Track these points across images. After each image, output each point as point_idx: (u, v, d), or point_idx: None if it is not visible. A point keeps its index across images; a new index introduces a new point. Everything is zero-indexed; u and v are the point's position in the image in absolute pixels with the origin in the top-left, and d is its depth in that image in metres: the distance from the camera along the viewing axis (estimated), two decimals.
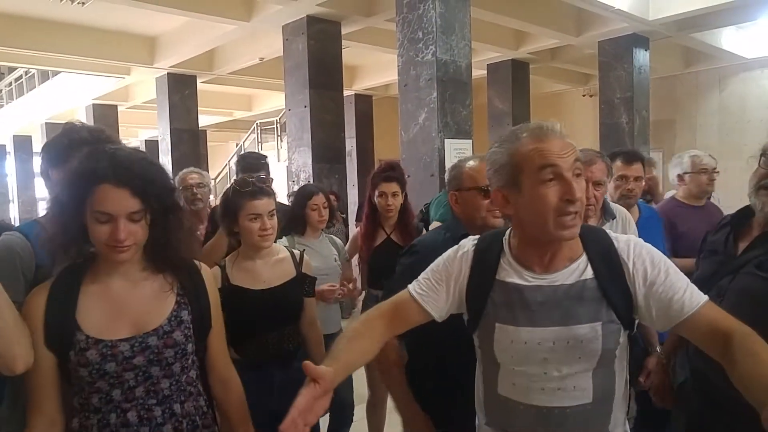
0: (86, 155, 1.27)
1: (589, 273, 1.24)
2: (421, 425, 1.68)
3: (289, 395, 2.23)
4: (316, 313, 2.34)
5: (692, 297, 1.18)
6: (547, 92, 10.87)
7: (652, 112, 7.59)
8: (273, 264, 2.16)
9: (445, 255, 1.37)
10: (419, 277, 1.36)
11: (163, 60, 7.71)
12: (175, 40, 7.40)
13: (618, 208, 2.54)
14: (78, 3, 6.04)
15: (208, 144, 15.07)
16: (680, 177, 3.14)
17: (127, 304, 1.31)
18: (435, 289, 1.32)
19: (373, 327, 1.29)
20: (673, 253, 2.69)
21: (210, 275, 1.51)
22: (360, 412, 3.13)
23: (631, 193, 2.69)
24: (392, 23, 5.19)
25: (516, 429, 1.29)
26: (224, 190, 2.20)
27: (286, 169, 6.67)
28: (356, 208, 7.65)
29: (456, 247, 1.38)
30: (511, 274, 1.27)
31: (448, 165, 4.51)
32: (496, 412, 1.33)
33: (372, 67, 9.35)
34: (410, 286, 1.34)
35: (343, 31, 6.16)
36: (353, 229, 7.61)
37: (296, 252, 2.29)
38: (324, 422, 2.94)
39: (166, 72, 8.21)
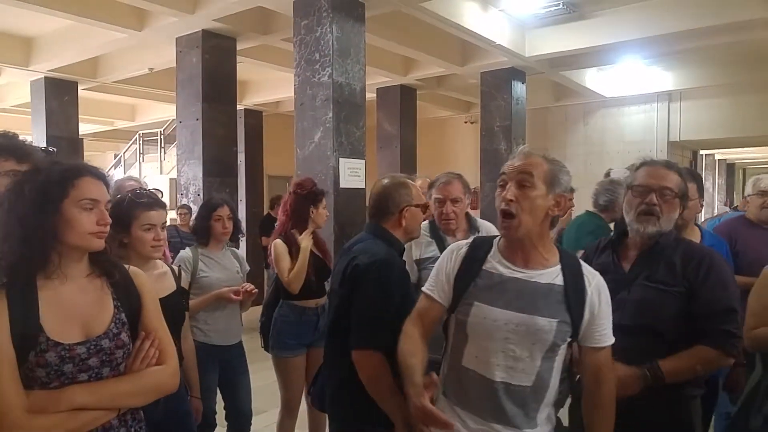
0: (41, 166, 1.41)
1: (560, 280, 1.58)
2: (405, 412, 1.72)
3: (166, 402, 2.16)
4: (188, 325, 2.57)
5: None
6: (433, 117, 11.39)
7: (528, 140, 8.19)
8: (156, 277, 2.23)
9: (444, 254, 1.74)
10: (429, 277, 1.70)
11: (41, 63, 7.20)
12: (56, 43, 6.94)
13: (483, 223, 2.79)
14: None
15: (85, 153, 14.09)
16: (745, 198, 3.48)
17: (77, 308, 1.40)
18: (439, 281, 1.67)
19: (415, 339, 1.62)
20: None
21: (143, 278, 1.60)
22: (259, 423, 3.19)
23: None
24: (288, 43, 5.30)
25: (466, 401, 1.59)
26: (115, 200, 2.18)
27: (169, 182, 6.47)
28: (243, 223, 7.54)
29: (452, 247, 1.74)
30: (496, 266, 1.61)
31: (342, 183, 4.69)
32: (456, 383, 1.62)
33: (263, 83, 9.33)
34: (423, 288, 1.69)
35: (238, 47, 6.16)
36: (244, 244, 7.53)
37: (174, 268, 2.40)
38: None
39: (43, 76, 7.68)
